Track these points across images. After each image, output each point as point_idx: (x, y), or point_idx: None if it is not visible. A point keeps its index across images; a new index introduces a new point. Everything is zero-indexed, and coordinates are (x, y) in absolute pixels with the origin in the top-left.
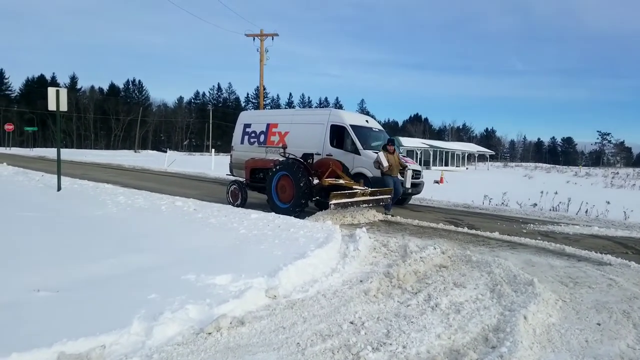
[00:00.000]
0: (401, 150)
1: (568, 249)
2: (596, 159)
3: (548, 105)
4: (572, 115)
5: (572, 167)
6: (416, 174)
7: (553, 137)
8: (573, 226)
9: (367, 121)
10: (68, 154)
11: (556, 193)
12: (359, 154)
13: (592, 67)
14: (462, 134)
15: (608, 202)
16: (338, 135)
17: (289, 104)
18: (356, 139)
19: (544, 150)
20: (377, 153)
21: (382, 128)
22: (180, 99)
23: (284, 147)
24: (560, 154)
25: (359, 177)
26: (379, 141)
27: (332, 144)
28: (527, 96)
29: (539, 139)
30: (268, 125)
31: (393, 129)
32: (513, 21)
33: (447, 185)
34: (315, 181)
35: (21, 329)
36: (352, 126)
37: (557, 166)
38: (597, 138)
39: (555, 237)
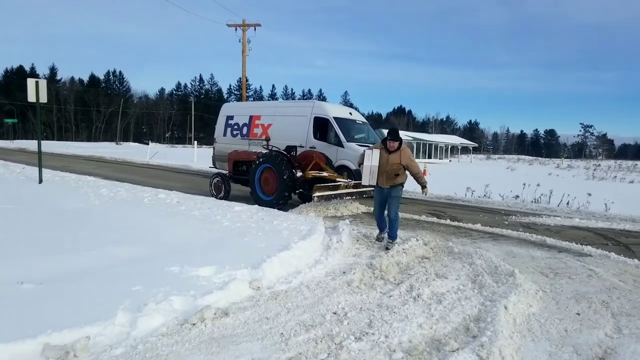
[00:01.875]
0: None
1: (549, 240)
2: (578, 151)
3: (531, 97)
4: (555, 108)
5: (554, 159)
6: None
7: (536, 130)
8: (554, 218)
9: (350, 113)
10: (49, 146)
11: (538, 185)
12: (342, 146)
13: (576, 60)
14: (445, 126)
15: (589, 194)
16: (321, 127)
17: (272, 96)
18: (339, 132)
19: (527, 143)
20: (365, 146)
21: (365, 120)
22: (162, 90)
23: (267, 139)
24: (543, 146)
25: (342, 170)
26: (362, 133)
27: (315, 137)
28: (511, 88)
29: (522, 131)
30: (251, 117)
31: (377, 121)
32: (500, 14)
33: (430, 178)
34: (299, 174)
35: (5, 321)
36: (336, 118)
37: (539, 158)
38: (580, 130)
39: (537, 228)
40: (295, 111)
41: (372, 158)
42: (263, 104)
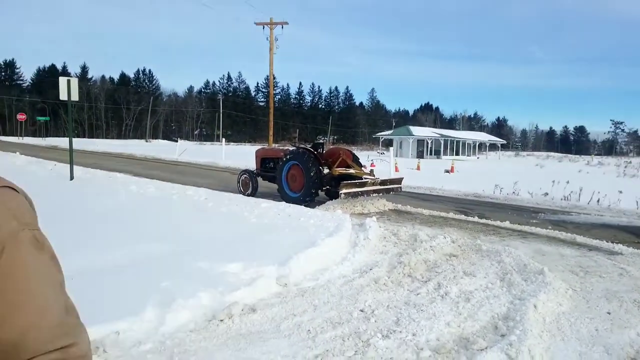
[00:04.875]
0: None
1: (579, 238)
2: (609, 148)
3: (561, 93)
4: (585, 104)
5: (584, 156)
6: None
7: (565, 126)
8: (584, 215)
9: None
10: (80, 143)
11: (568, 182)
12: None
13: (607, 56)
14: (473, 123)
15: (620, 192)
16: None
17: (299, 94)
18: None
19: (556, 140)
20: None
21: None
22: (191, 88)
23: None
24: (572, 143)
25: None
26: None
27: None
28: (540, 85)
29: (551, 128)
30: None
31: (403, 118)
32: (531, 9)
33: (458, 175)
34: (326, 171)
35: None
36: None
37: (569, 155)
38: (610, 127)
39: (567, 226)
40: None
41: None
42: None
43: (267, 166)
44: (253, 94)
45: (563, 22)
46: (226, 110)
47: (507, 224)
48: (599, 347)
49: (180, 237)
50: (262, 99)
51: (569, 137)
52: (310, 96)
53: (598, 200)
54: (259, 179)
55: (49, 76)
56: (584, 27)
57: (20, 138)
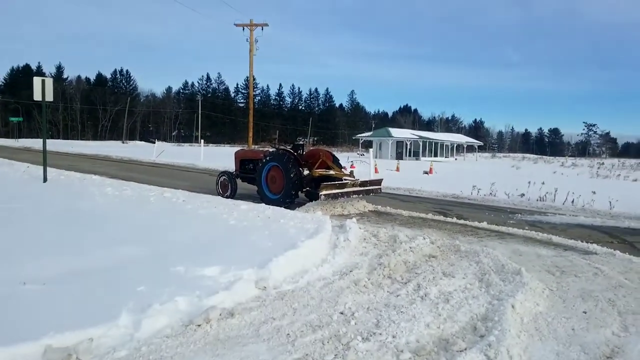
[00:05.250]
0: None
1: (555, 238)
2: (582, 149)
3: (536, 96)
4: (559, 107)
5: (558, 157)
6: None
7: (540, 128)
8: (560, 216)
9: None
10: (54, 144)
11: (543, 183)
12: None
13: (580, 59)
14: (451, 125)
15: (594, 192)
16: None
17: (279, 95)
18: None
19: (531, 141)
20: None
21: None
22: (169, 89)
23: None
24: (547, 144)
25: None
26: None
27: None
28: (516, 87)
29: (526, 130)
30: None
31: (383, 120)
32: (508, 14)
33: (436, 176)
34: (306, 172)
35: (7, 322)
36: None
37: (544, 157)
38: (583, 129)
39: (543, 226)
40: None
41: None
42: None
43: (247, 167)
44: (232, 95)
45: (538, 26)
46: (205, 112)
47: (484, 224)
48: (575, 346)
49: (157, 240)
50: (242, 100)
51: (544, 139)
52: (290, 98)
53: (573, 201)
54: (238, 181)
55: (23, 76)
56: (558, 32)
57: None
